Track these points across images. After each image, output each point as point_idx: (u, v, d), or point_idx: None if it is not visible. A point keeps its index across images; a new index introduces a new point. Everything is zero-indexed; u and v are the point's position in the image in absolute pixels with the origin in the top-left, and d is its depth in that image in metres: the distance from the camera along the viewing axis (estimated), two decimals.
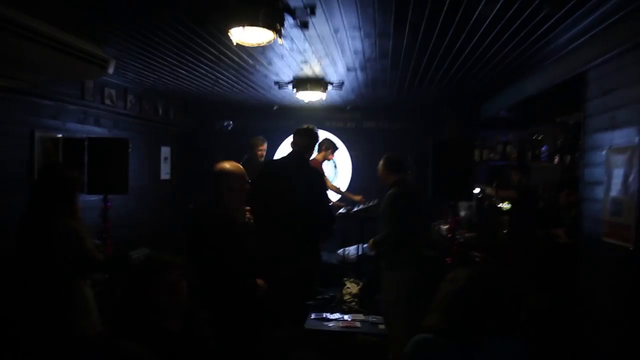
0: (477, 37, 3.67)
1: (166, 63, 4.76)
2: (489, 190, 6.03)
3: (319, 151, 6.61)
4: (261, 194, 4.03)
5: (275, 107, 7.65)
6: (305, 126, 4.31)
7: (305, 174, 3.95)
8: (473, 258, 4.87)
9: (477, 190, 5.94)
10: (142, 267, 2.17)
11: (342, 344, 4.81)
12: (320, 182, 4.03)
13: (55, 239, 2.86)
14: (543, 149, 6.87)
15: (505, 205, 5.62)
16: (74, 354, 1.15)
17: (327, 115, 8.14)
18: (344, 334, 4.95)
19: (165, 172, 7.42)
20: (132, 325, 2.08)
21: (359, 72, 5.09)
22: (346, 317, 5.31)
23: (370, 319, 5.09)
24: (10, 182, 4.21)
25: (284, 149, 8.23)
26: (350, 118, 8.19)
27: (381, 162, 4.55)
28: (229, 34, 3.31)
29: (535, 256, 4.81)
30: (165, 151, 7.41)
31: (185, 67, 4.94)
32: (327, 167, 6.60)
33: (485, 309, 1.95)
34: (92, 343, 1.18)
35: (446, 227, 5.38)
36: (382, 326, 4.58)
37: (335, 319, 5.24)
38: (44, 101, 4.80)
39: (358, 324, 5.06)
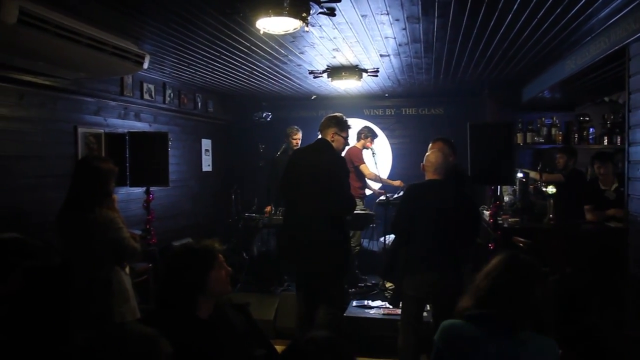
0: (510, 15, 3.55)
1: (200, 56, 4.83)
2: (533, 174, 5.86)
3: (358, 139, 6.58)
4: (288, 181, 4.10)
5: (313, 97, 7.66)
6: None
7: (324, 159, 3.92)
8: (516, 244, 4.74)
9: (520, 175, 5.78)
10: (193, 252, 2.20)
11: (384, 331, 4.82)
12: (339, 168, 3.95)
13: (92, 229, 2.97)
14: (591, 130, 6.64)
15: (551, 189, 5.43)
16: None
17: (366, 104, 8.09)
18: (386, 321, 4.95)
19: (206, 164, 7.57)
20: (167, 311, 2.15)
21: (392, 58, 5.02)
22: (388, 304, 5.31)
23: None
24: (56, 177, 4.39)
25: None
26: (389, 105, 8.11)
27: (443, 146, 4.26)
28: (256, 24, 3.34)
29: (583, 241, 4.65)
30: (206, 143, 7.55)
31: (219, 60, 5.00)
32: (366, 155, 6.56)
33: (516, 299, 1.89)
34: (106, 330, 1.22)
35: (488, 212, 5.27)
36: (425, 314, 4.53)
37: (377, 307, 5.26)
38: (86, 98, 4.98)
39: (399, 311, 5.05)
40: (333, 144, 4.02)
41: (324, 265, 3.86)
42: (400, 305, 3.96)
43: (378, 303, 5.35)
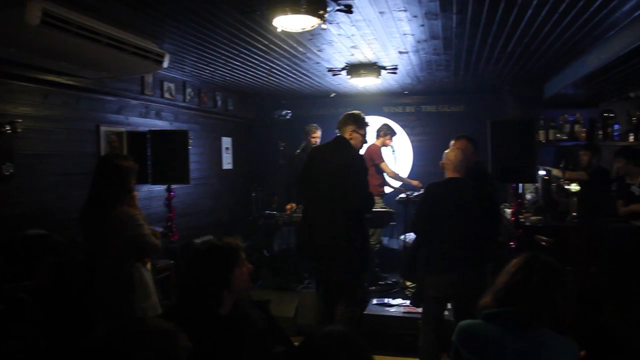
0: (531, 10, 3.50)
1: (219, 55, 4.86)
2: (555, 172, 5.78)
3: (377, 137, 6.57)
4: (306, 179, 4.12)
5: (332, 95, 7.65)
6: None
7: (342, 157, 3.91)
8: (538, 242, 4.68)
9: (542, 172, 5.71)
10: (217, 249, 2.22)
11: (404, 329, 4.80)
12: (357, 165, 3.94)
13: (113, 225, 3.01)
14: (615, 127, 6.52)
15: (574, 187, 5.35)
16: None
17: (385, 101, 8.06)
18: (406, 319, 4.94)
19: (227, 162, 7.62)
20: (188, 307, 2.17)
21: (411, 55, 5.00)
22: (408, 302, 5.29)
23: None
24: (79, 175, 4.47)
25: None
26: (409, 103, 8.07)
27: (466, 143, 4.21)
28: (273, 22, 3.35)
29: (608, 240, 4.58)
30: (226, 141, 7.60)
31: (238, 59, 5.03)
32: (385, 152, 6.54)
33: (534, 296, 1.87)
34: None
35: (510, 210, 5.21)
36: (446, 312, 4.51)
37: (397, 305, 5.24)
38: (108, 97, 5.06)
39: (420, 310, 5.03)
40: (351, 141, 4.01)
41: (342, 262, 3.86)
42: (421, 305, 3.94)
43: (398, 301, 5.33)
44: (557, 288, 1.88)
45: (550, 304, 1.87)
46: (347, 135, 4.01)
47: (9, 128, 3.86)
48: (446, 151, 3.85)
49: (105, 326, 1.28)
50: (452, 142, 4.29)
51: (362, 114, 4.13)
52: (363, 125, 4.07)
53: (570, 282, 1.93)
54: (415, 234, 4.08)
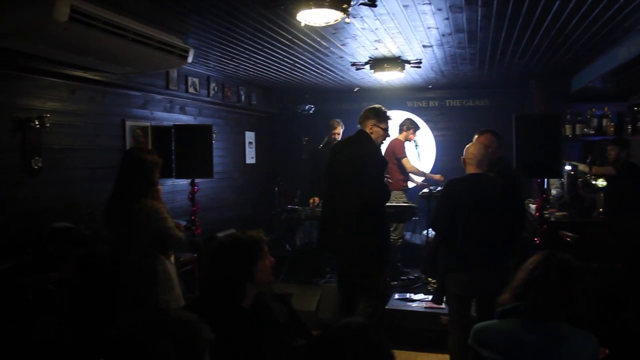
0: (558, 2, 3.44)
1: (243, 50, 4.88)
2: (582, 167, 5.68)
3: (400, 132, 6.53)
4: (328, 173, 4.12)
5: (356, 89, 7.63)
6: None
7: (359, 150, 3.89)
8: (563, 238, 4.62)
9: (568, 167, 5.62)
10: (241, 242, 2.24)
11: (425, 324, 4.79)
12: (373, 158, 3.90)
13: (138, 218, 3.05)
14: None
15: (601, 183, 5.26)
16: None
17: (409, 95, 8.01)
18: (427, 314, 4.92)
19: (250, 157, 7.66)
20: (211, 300, 2.20)
21: (435, 49, 4.95)
22: (430, 298, 5.27)
23: None
24: (105, 169, 4.54)
25: None
26: (433, 97, 8.01)
27: (491, 138, 4.13)
28: (297, 16, 3.35)
29: (634, 236, 4.48)
30: (249, 136, 7.64)
31: (262, 53, 5.05)
32: (409, 147, 6.51)
33: (552, 294, 1.86)
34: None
35: (534, 205, 5.14)
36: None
37: (419, 300, 5.22)
38: (133, 92, 5.13)
39: (442, 305, 5.00)
40: (372, 135, 3.98)
41: (362, 256, 3.86)
42: (445, 303, 3.89)
43: (420, 296, 5.31)
44: (574, 285, 1.87)
45: (568, 300, 1.86)
46: (367, 129, 3.98)
47: (37, 123, 3.95)
48: (468, 146, 3.74)
49: (129, 316, 1.30)
50: (476, 136, 4.23)
51: (384, 108, 4.08)
52: (384, 119, 4.03)
53: (587, 279, 1.91)
54: (434, 230, 4.00)
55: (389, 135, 4.21)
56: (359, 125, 4.10)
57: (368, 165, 3.84)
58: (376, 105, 4.09)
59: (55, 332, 3.31)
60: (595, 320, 2.11)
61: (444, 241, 3.72)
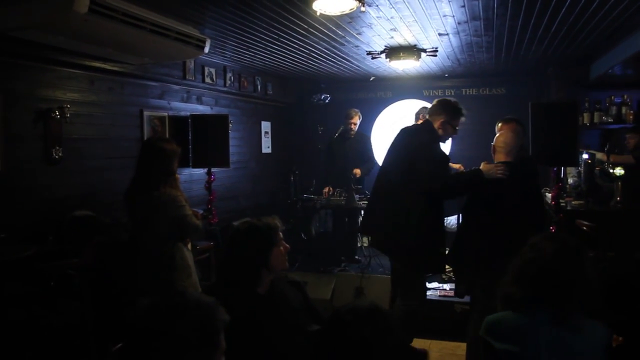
0: None
1: (259, 40, 4.91)
2: (599, 156, 5.62)
3: (416, 120, 6.51)
4: (383, 162, 3.95)
5: (372, 78, 7.62)
6: None
7: (411, 142, 3.69)
8: (580, 227, 4.59)
9: (585, 156, 5.56)
10: (256, 229, 2.28)
11: (438, 312, 4.81)
12: (424, 153, 3.55)
13: (156, 206, 3.12)
14: None
15: (619, 171, 5.20)
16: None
17: (425, 84, 7.97)
18: (442, 302, 4.94)
19: (266, 146, 7.71)
20: (228, 285, 2.25)
21: (451, 37, 4.93)
22: (445, 286, 5.29)
23: None
24: (124, 159, 4.62)
25: (382, 119, 8.21)
26: (449, 86, 7.95)
27: (516, 127, 3.85)
28: (312, 5, 3.37)
29: None
30: (265, 126, 7.69)
31: (278, 43, 5.07)
32: None
33: (568, 287, 1.86)
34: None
35: (550, 194, 5.12)
36: None
37: (433, 288, 5.24)
38: (151, 82, 5.19)
39: (455, 294, 5.03)
40: (440, 131, 3.65)
41: (397, 251, 3.70)
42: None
43: (434, 284, 5.33)
44: (586, 271, 1.87)
45: (581, 288, 1.85)
46: (437, 125, 3.65)
47: (58, 113, 4.03)
48: (499, 134, 3.66)
49: (148, 299, 1.35)
50: (500, 124, 4.18)
51: (459, 104, 3.72)
52: (457, 116, 3.68)
53: (589, 262, 1.90)
54: (464, 218, 3.87)
55: (457, 133, 3.85)
56: (427, 115, 3.84)
57: (416, 160, 3.53)
58: (451, 99, 3.76)
59: (76, 316, 3.40)
60: (610, 308, 2.10)
61: (470, 230, 3.62)
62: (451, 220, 6.50)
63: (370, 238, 4.13)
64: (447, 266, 5.62)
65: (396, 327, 1.47)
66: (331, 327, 1.48)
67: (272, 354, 2.16)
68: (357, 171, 6.02)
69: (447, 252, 3.82)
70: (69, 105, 4.14)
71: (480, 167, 3.58)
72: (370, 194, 4.07)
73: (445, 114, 3.64)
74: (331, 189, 6.06)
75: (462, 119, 3.73)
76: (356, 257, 6.23)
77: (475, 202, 3.64)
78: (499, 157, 3.56)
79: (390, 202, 3.65)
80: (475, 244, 3.52)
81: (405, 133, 3.86)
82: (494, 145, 3.62)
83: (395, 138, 3.88)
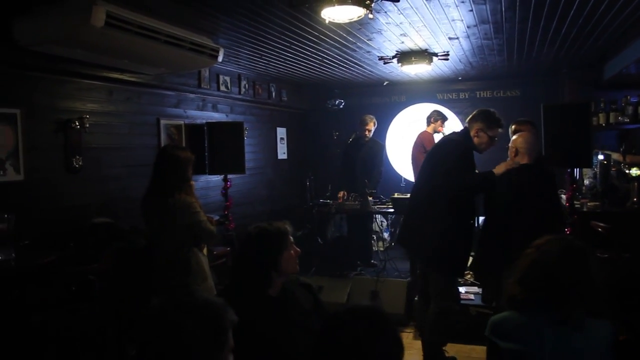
0: None
1: (272, 48, 5.00)
2: (615, 156, 5.57)
3: (428, 124, 6.56)
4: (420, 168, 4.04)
5: (385, 83, 7.66)
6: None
7: (444, 148, 3.81)
8: (595, 229, 4.57)
9: (601, 157, 5.53)
10: (267, 233, 2.34)
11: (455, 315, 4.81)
12: (451, 159, 3.63)
13: (172, 213, 3.21)
14: None
15: (635, 172, 5.16)
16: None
17: (439, 88, 7.99)
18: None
19: (282, 152, 7.79)
20: (240, 288, 2.32)
21: (462, 41, 4.96)
22: (461, 289, 5.28)
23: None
24: (142, 167, 4.71)
25: (396, 124, 8.24)
26: (463, 89, 7.96)
27: (530, 127, 3.93)
28: (321, 14, 3.44)
29: None
30: (281, 132, 7.77)
31: (291, 50, 5.15)
32: (438, 139, 6.51)
33: (572, 287, 1.88)
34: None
35: (565, 196, 5.10)
36: None
37: None
38: (167, 92, 5.30)
39: (472, 297, 5.02)
40: (475, 139, 3.70)
41: (425, 253, 3.79)
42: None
43: None
44: (591, 271, 1.88)
45: (585, 288, 1.87)
46: (472, 132, 3.71)
47: (78, 124, 4.15)
48: (517, 135, 3.69)
49: (159, 299, 1.42)
50: (513, 126, 4.18)
51: (497, 114, 3.75)
52: (493, 125, 3.69)
53: (594, 263, 1.91)
54: (487, 220, 3.86)
55: (494, 144, 3.80)
56: (466, 124, 3.87)
57: (445, 165, 3.61)
58: (490, 109, 3.80)
59: (96, 320, 3.50)
60: (622, 309, 2.11)
61: (497, 236, 3.60)
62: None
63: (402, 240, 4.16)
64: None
65: (394, 328, 1.50)
66: (330, 325, 1.53)
67: (282, 355, 2.21)
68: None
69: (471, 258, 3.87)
70: (88, 116, 4.26)
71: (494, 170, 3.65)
72: (407, 206, 4.09)
73: (480, 121, 3.70)
74: (346, 193, 6.11)
75: (500, 130, 3.73)
76: (372, 261, 6.27)
77: (495, 208, 3.67)
78: (522, 158, 3.59)
79: (423, 209, 3.73)
80: (497, 250, 3.52)
81: (440, 142, 3.98)
82: (513, 147, 3.64)
83: (432, 148, 4.00)
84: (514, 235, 3.40)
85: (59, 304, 3.32)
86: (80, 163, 4.20)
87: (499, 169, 3.59)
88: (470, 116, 3.80)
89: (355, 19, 3.46)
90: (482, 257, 3.79)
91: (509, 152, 3.77)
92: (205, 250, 3.49)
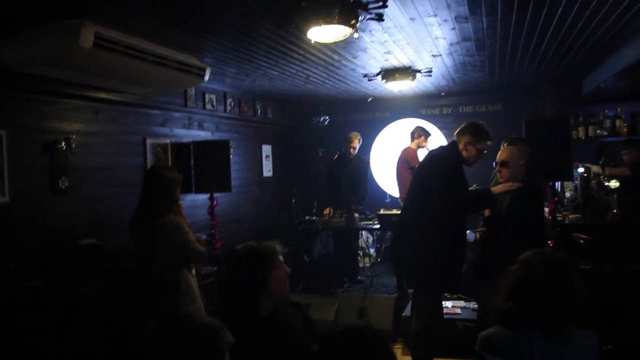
0: (561, 8, 3.52)
1: (258, 66, 5.04)
2: (595, 169, 5.69)
3: (412, 139, 6.62)
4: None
5: (369, 99, 7.73)
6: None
7: (432, 161, 3.82)
8: (577, 240, 4.65)
9: (581, 170, 5.64)
10: (256, 253, 2.32)
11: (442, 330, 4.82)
12: (439, 173, 3.61)
13: (160, 233, 3.19)
14: None
15: (614, 184, 5.27)
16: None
17: (422, 103, 8.07)
18: (444, 320, 4.93)
19: (267, 170, 7.80)
20: (229, 308, 2.31)
21: (445, 58, 5.05)
22: (447, 303, 5.30)
23: (471, 305, 5.05)
24: (128, 186, 4.71)
25: (381, 140, 8.31)
26: (446, 104, 8.05)
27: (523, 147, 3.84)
28: (308, 34, 3.48)
29: None
30: (266, 149, 7.79)
31: (276, 68, 5.19)
32: (422, 154, 6.58)
33: (561, 300, 1.91)
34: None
35: (547, 208, 5.18)
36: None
37: None
38: (153, 111, 5.30)
39: (458, 311, 5.04)
40: (463, 152, 3.69)
41: (406, 266, 3.86)
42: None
43: None
44: (577, 285, 1.92)
45: (574, 301, 1.91)
46: (461, 146, 3.70)
47: (64, 144, 4.13)
48: (500, 151, 3.76)
49: (155, 322, 1.42)
50: (505, 144, 4.22)
51: (485, 126, 3.73)
52: (481, 138, 3.67)
53: (578, 275, 1.95)
54: (485, 239, 3.88)
55: (482, 157, 3.77)
56: (455, 137, 3.84)
57: (432, 178, 3.62)
58: (478, 122, 3.78)
59: (85, 344, 3.44)
60: (604, 321, 2.14)
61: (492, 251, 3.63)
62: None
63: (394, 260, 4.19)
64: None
65: (388, 345, 1.52)
66: (326, 346, 1.54)
67: None
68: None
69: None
70: (74, 136, 4.24)
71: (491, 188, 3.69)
72: (398, 223, 4.06)
73: (469, 134, 3.68)
74: (332, 210, 6.13)
75: (488, 143, 3.71)
76: (359, 277, 6.28)
77: (490, 223, 3.73)
78: (505, 172, 3.61)
79: (415, 226, 3.71)
80: (492, 263, 3.51)
81: (428, 157, 3.96)
82: (498, 161, 3.68)
83: (421, 163, 4.01)
84: (503, 250, 3.37)
85: (47, 329, 3.27)
86: (66, 184, 4.18)
87: (498, 189, 3.60)
88: (459, 129, 3.77)
89: (341, 38, 3.51)
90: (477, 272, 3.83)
91: (496, 170, 3.77)
92: (193, 271, 3.47)
